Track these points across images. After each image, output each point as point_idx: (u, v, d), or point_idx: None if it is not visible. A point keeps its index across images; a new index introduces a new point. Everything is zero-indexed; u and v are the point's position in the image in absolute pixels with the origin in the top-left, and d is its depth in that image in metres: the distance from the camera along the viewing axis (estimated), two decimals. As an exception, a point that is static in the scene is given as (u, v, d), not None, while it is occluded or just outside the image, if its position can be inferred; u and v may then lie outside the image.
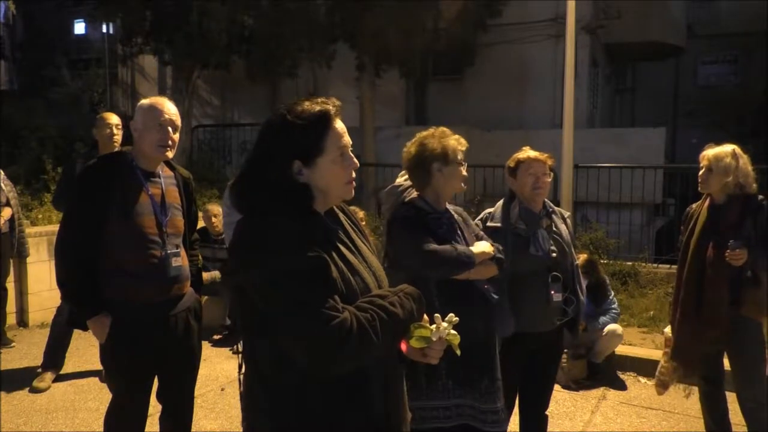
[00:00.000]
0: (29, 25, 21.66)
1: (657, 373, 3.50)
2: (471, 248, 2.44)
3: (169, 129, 2.55)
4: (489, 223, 2.88)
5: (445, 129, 2.57)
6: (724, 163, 3.07)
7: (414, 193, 2.59)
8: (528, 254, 2.78)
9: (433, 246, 2.36)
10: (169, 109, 2.59)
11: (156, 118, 2.54)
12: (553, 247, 2.84)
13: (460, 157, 2.51)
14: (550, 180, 2.92)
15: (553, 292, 2.79)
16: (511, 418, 2.89)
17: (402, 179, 3.71)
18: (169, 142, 2.56)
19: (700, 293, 3.10)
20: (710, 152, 3.13)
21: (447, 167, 2.48)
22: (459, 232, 2.53)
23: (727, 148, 3.13)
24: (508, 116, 12.16)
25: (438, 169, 2.48)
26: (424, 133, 2.57)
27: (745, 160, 3.11)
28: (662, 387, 3.49)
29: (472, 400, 2.41)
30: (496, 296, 2.50)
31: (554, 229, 2.91)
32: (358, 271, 1.56)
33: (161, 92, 12.11)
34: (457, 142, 2.52)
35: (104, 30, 17.64)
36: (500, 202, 2.96)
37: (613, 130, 12.66)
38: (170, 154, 2.60)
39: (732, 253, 2.95)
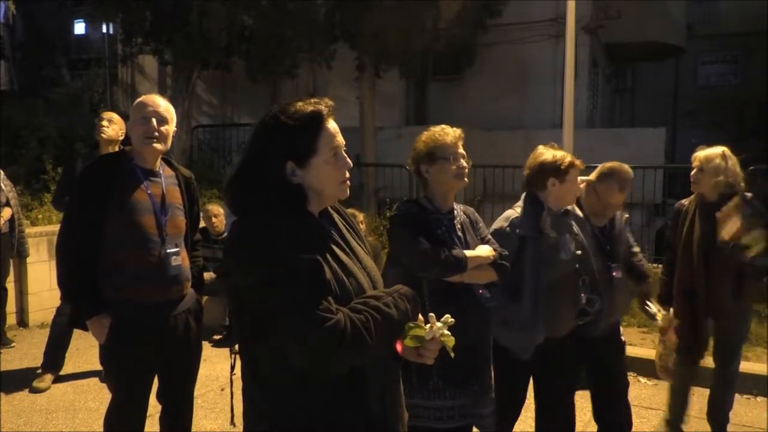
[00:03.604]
0: (29, 25, 21.68)
1: (657, 360, 3.59)
2: (466, 252, 2.36)
3: (153, 120, 2.51)
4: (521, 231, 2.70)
5: (443, 127, 2.49)
6: (714, 163, 3.27)
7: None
8: (559, 260, 2.71)
9: (423, 246, 2.31)
10: (154, 101, 2.57)
11: (140, 112, 2.53)
12: (577, 251, 2.81)
13: (450, 151, 2.41)
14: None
15: (582, 294, 2.80)
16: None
17: None
18: (156, 134, 2.51)
19: (707, 287, 3.28)
20: (701, 153, 3.36)
21: (433, 166, 2.42)
22: (460, 234, 2.47)
23: (717, 149, 3.34)
24: (508, 116, 12.17)
25: (425, 170, 2.45)
26: (426, 131, 2.51)
27: (734, 162, 3.32)
28: (665, 372, 3.59)
29: (464, 401, 2.40)
30: (492, 302, 2.44)
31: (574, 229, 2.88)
32: (353, 272, 1.55)
33: (161, 92, 12.08)
34: (446, 136, 2.43)
35: (104, 30, 17.68)
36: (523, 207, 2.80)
37: (613, 130, 12.67)
38: (159, 146, 2.54)
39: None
